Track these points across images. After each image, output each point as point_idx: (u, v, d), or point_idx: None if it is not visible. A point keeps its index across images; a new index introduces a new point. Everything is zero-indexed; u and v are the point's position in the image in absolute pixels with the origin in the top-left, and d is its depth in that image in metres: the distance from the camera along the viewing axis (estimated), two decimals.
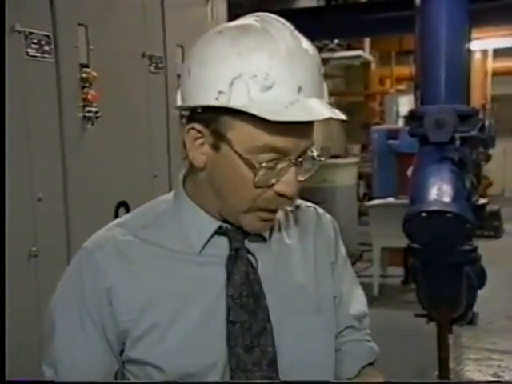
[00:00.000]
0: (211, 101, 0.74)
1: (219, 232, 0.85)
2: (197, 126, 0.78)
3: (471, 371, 3.14)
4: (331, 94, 0.84)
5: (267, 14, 0.79)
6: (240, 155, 0.76)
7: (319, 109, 0.76)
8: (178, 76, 2.49)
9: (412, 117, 2.54)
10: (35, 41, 1.72)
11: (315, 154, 0.81)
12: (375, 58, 8.46)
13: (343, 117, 0.78)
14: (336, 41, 6.61)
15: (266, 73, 0.73)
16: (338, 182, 5.45)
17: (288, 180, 0.78)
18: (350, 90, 8.75)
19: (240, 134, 0.75)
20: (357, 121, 7.62)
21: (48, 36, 1.77)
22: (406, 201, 2.73)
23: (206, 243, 0.84)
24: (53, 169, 1.83)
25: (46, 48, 1.76)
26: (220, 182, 0.80)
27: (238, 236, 0.84)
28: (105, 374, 0.83)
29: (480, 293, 2.57)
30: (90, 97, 1.90)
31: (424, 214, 2.28)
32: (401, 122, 6.94)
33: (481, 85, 7.90)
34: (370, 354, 0.96)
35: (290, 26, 0.78)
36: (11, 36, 1.63)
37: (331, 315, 0.91)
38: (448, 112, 2.36)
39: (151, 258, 0.83)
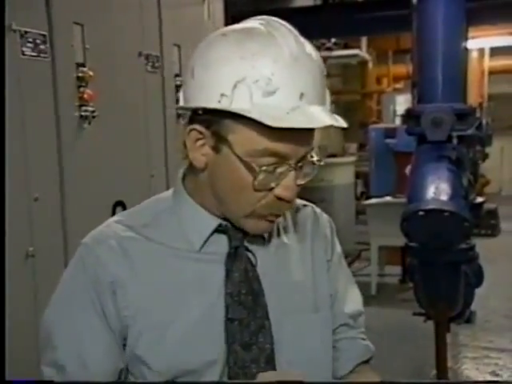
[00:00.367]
0: (213, 103, 0.75)
1: (219, 230, 0.85)
2: (198, 127, 0.79)
3: (469, 369, 3.15)
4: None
5: (272, 17, 0.79)
6: (240, 158, 0.77)
7: (320, 116, 0.76)
8: (175, 75, 2.50)
9: (409, 115, 2.55)
10: (31, 40, 1.71)
11: (315, 158, 0.82)
12: (372, 56, 8.46)
13: (344, 124, 0.79)
14: (333, 40, 6.62)
15: (269, 78, 0.73)
16: (336, 181, 5.45)
17: (287, 184, 0.79)
18: (347, 88, 8.75)
19: (241, 138, 0.76)
20: (354, 120, 7.62)
21: (44, 35, 1.76)
22: (403, 199, 2.74)
23: (205, 241, 0.84)
24: (49, 168, 1.82)
25: (42, 47, 1.75)
26: (220, 184, 0.81)
27: (238, 234, 0.85)
28: (112, 368, 0.82)
29: (477, 291, 2.57)
30: (86, 96, 1.90)
31: (421, 213, 2.28)
32: (398, 121, 6.94)
33: (478, 83, 7.91)
34: (365, 352, 0.96)
35: (295, 31, 0.78)
36: (7, 35, 1.63)
37: (328, 313, 0.91)
38: (445, 111, 2.36)
39: (151, 255, 0.84)
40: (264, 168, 0.76)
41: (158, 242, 0.84)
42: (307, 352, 0.86)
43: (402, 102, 7.46)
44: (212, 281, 0.83)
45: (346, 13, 4.83)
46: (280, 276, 0.88)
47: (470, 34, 2.82)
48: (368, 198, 5.52)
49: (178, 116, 2.49)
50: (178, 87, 2.47)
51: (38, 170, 1.75)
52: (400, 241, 2.76)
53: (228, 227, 0.85)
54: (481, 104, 6.75)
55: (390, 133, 5.23)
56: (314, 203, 0.99)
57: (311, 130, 0.78)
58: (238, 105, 0.73)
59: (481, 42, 7.03)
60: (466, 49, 2.71)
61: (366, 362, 0.96)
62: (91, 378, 0.80)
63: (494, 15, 4.31)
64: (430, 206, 2.28)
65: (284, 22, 0.79)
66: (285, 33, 0.76)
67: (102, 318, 0.81)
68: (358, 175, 6.56)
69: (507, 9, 4.15)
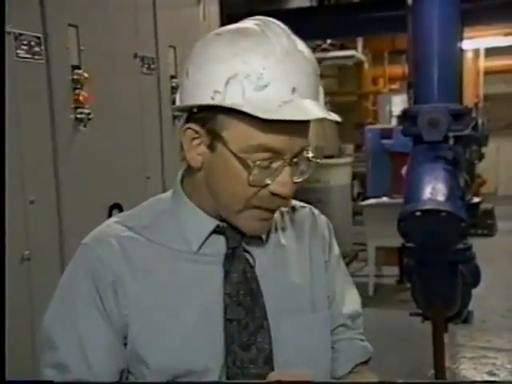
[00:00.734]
0: (207, 100, 0.76)
1: (217, 231, 0.85)
2: (193, 125, 0.80)
3: (466, 369, 3.15)
4: (324, 94, 0.84)
5: (268, 18, 0.80)
6: (235, 154, 0.77)
7: (313, 109, 0.76)
8: (171, 77, 2.50)
9: (405, 116, 2.54)
10: (25, 42, 1.70)
11: (311, 155, 0.82)
12: (368, 57, 8.47)
13: (338, 118, 0.79)
14: (329, 41, 6.62)
15: (260, 72, 0.74)
16: (332, 181, 5.46)
17: (283, 180, 0.79)
18: (343, 89, 8.76)
19: (235, 133, 0.76)
20: (350, 121, 7.63)
21: (38, 37, 1.76)
22: (400, 200, 2.74)
23: (203, 242, 0.85)
24: (45, 171, 1.82)
25: (37, 49, 1.75)
26: (215, 182, 0.81)
27: (236, 235, 0.85)
28: (115, 366, 0.82)
29: (474, 291, 2.57)
30: (81, 98, 1.89)
31: (418, 213, 2.28)
32: (394, 122, 6.95)
33: (473, 84, 7.93)
34: (363, 353, 0.96)
35: (288, 31, 0.79)
36: None
37: (326, 313, 0.92)
38: (441, 111, 2.36)
39: (150, 255, 0.84)
40: (258, 163, 0.77)
41: (157, 242, 0.85)
42: (306, 352, 0.86)
43: (398, 103, 7.47)
44: (210, 281, 0.84)
45: (341, 14, 4.83)
46: (278, 276, 0.88)
47: (465, 35, 2.83)
48: (365, 198, 5.52)
49: (174, 117, 2.49)
50: (173, 89, 2.47)
51: (33, 173, 1.75)
52: (397, 241, 2.76)
53: (226, 228, 0.85)
54: (476, 104, 6.78)
55: (386, 133, 5.23)
56: (310, 204, 1.00)
57: (305, 123, 0.78)
58: (231, 100, 0.74)
59: (476, 42, 7.06)
60: (462, 49, 2.71)
61: (365, 362, 0.96)
62: (94, 376, 0.80)
63: (489, 16, 4.33)
64: (427, 207, 2.28)
65: (278, 22, 0.79)
66: (278, 31, 0.77)
67: (104, 316, 0.82)
68: (354, 176, 6.57)
69: (502, 9, 4.17)
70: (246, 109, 0.73)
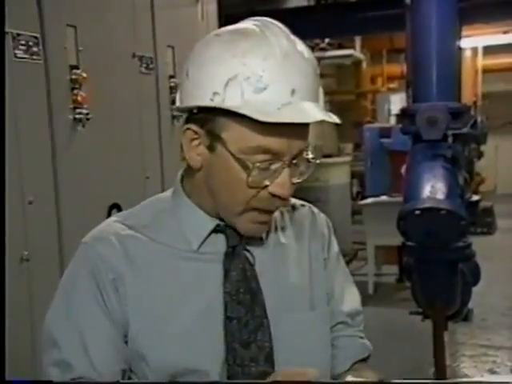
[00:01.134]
0: (206, 101, 0.76)
1: (217, 230, 0.86)
2: (193, 126, 0.80)
3: (467, 367, 3.15)
4: (323, 93, 0.84)
5: (267, 18, 0.80)
6: (234, 155, 0.77)
7: (312, 111, 0.76)
8: (169, 77, 2.49)
9: (404, 115, 2.54)
10: (23, 42, 1.70)
11: (310, 156, 0.82)
12: (366, 56, 8.48)
13: (337, 120, 0.79)
14: (327, 40, 6.62)
15: (260, 75, 0.74)
16: (331, 181, 5.46)
17: (282, 181, 0.79)
18: (342, 88, 8.76)
19: (234, 135, 0.77)
20: (349, 120, 7.63)
21: (36, 37, 1.75)
22: (399, 199, 2.74)
23: (203, 241, 0.85)
24: (44, 172, 1.81)
25: (35, 49, 1.74)
26: (215, 183, 0.82)
27: (235, 234, 0.85)
28: (117, 363, 0.82)
29: (474, 289, 2.57)
30: (80, 98, 1.89)
31: (418, 212, 2.28)
32: (393, 121, 6.95)
33: (471, 82, 7.94)
34: (363, 350, 0.96)
35: (288, 31, 0.79)
36: None
37: (326, 311, 0.92)
38: (440, 109, 2.36)
39: (151, 254, 0.84)
40: (257, 165, 0.77)
41: (158, 241, 0.85)
42: (306, 349, 0.86)
43: (397, 102, 7.48)
44: (210, 280, 0.84)
45: (339, 13, 4.84)
46: (278, 275, 0.88)
47: (463, 33, 2.83)
48: (364, 197, 5.53)
49: (173, 117, 2.48)
50: (172, 88, 2.46)
51: (32, 173, 1.74)
52: (396, 240, 2.76)
53: (226, 227, 0.85)
54: (475, 102, 6.78)
55: (385, 132, 5.24)
56: (309, 203, 1.00)
57: (305, 126, 0.78)
58: (230, 102, 0.74)
59: (474, 40, 7.06)
60: (460, 48, 2.71)
61: (364, 360, 0.96)
62: (97, 373, 0.80)
63: (487, 14, 4.33)
64: (427, 205, 2.28)
65: (278, 23, 0.79)
66: (277, 32, 0.77)
67: (106, 313, 0.82)
68: (353, 175, 6.57)
69: (500, 7, 4.17)
70: (245, 111, 0.73)
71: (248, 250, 0.87)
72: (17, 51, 1.68)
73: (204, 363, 0.81)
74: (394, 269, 4.70)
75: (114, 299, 0.82)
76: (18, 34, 1.68)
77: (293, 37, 0.79)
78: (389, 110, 8.00)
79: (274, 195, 0.80)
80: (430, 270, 2.47)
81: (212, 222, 0.85)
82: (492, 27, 6.53)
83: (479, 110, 7.09)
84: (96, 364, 0.80)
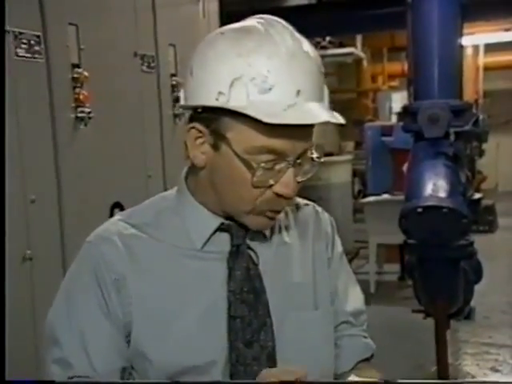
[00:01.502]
0: (211, 101, 0.76)
1: (221, 228, 0.86)
2: (197, 125, 0.80)
3: (469, 365, 3.15)
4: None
5: (270, 16, 0.80)
6: (238, 155, 0.77)
7: (317, 112, 0.76)
8: (171, 75, 2.49)
9: (406, 112, 2.54)
10: (25, 41, 1.70)
11: (315, 155, 0.82)
12: (367, 54, 8.46)
13: (342, 120, 0.79)
14: (328, 38, 6.62)
15: (265, 75, 0.74)
16: (333, 179, 5.46)
17: (286, 181, 0.79)
18: (343, 87, 8.75)
19: (239, 135, 0.77)
20: (350, 118, 7.62)
21: (38, 36, 1.75)
22: (401, 197, 2.73)
23: (207, 240, 0.85)
24: (46, 170, 1.81)
25: (36, 48, 1.74)
26: (220, 182, 0.82)
27: (240, 232, 0.86)
28: (117, 363, 0.82)
29: (476, 287, 2.57)
30: (81, 97, 1.88)
31: (420, 210, 2.28)
32: (394, 119, 6.95)
33: (473, 80, 7.92)
34: (366, 350, 0.96)
35: (292, 29, 0.79)
36: None
37: (329, 310, 0.92)
38: (442, 107, 2.36)
39: (154, 253, 0.84)
40: (262, 165, 0.77)
41: (161, 240, 0.85)
42: (309, 349, 0.86)
43: (398, 100, 7.47)
44: (214, 279, 0.84)
45: (340, 11, 4.83)
46: (281, 274, 0.88)
47: (465, 31, 2.82)
48: (365, 196, 5.52)
49: (175, 116, 2.48)
50: (173, 87, 2.46)
51: (34, 172, 1.74)
52: (398, 238, 2.76)
53: (230, 225, 0.85)
54: (476, 100, 6.77)
55: (387, 130, 5.22)
56: (310, 201, 0.99)
57: (309, 126, 0.78)
58: (235, 102, 0.74)
59: (475, 38, 7.04)
60: (461, 45, 2.70)
61: (367, 359, 0.96)
62: (96, 374, 0.81)
63: (489, 11, 4.32)
64: (429, 203, 2.28)
65: (282, 21, 0.79)
66: (281, 30, 0.77)
67: (106, 314, 0.82)
68: (354, 173, 6.56)
69: (501, 5, 4.16)
70: (250, 112, 0.73)
71: (252, 249, 0.87)
72: (18, 50, 1.68)
73: (207, 362, 0.81)
74: (395, 267, 4.70)
75: (116, 299, 0.82)
76: (20, 33, 1.68)
77: (298, 35, 0.78)
78: (390, 108, 7.99)
79: (278, 195, 0.80)
80: (432, 268, 2.47)
81: (216, 221, 0.85)
82: (493, 25, 6.52)
83: (480, 107, 7.09)
84: (95, 364, 0.81)
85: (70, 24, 1.90)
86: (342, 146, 7.43)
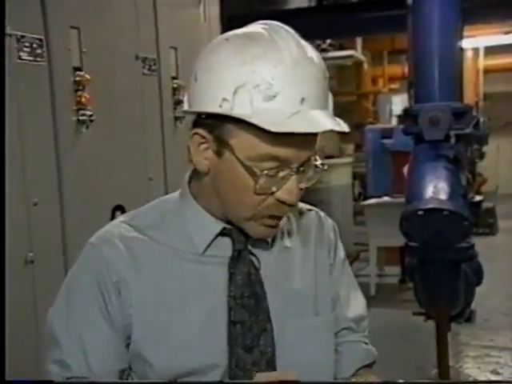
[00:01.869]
0: (215, 108, 0.76)
1: (223, 233, 0.85)
2: (201, 131, 0.80)
3: (470, 368, 3.15)
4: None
5: (275, 22, 0.79)
6: (242, 162, 0.77)
7: (322, 120, 0.76)
8: (172, 78, 2.50)
9: (406, 115, 2.54)
10: (27, 44, 1.70)
11: (318, 162, 0.82)
12: (367, 57, 8.47)
13: (347, 128, 0.79)
14: (328, 41, 6.62)
15: (270, 83, 0.73)
16: (333, 182, 5.46)
17: (289, 188, 0.79)
18: (343, 90, 8.75)
19: (242, 142, 0.76)
20: (350, 121, 7.61)
21: (40, 39, 1.76)
22: (401, 200, 2.73)
23: (209, 244, 0.85)
24: (48, 173, 1.82)
25: (39, 51, 1.75)
26: (222, 187, 0.81)
27: (241, 237, 0.85)
28: (115, 367, 0.83)
29: (477, 290, 2.57)
30: (83, 100, 1.89)
31: (421, 212, 2.28)
32: (394, 122, 6.95)
33: (473, 82, 7.93)
34: (367, 356, 0.96)
35: (297, 35, 0.78)
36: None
37: (330, 317, 0.92)
38: (442, 109, 2.36)
39: (156, 256, 0.84)
40: (265, 172, 0.77)
41: (163, 243, 0.85)
42: (308, 355, 0.86)
43: (398, 103, 7.48)
44: (215, 283, 0.84)
45: (340, 14, 4.84)
46: (282, 280, 0.88)
47: (465, 34, 2.82)
48: (366, 198, 5.52)
49: (176, 119, 2.49)
50: (174, 90, 2.47)
51: (36, 175, 1.75)
52: (399, 241, 2.76)
53: (232, 230, 0.85)
54: (477, 103, 6.77)
55: (387, 133, 5.23)
56: (311, 205, 0.99)
57: (313, 134, 0.78)
58: (239, 109, 0.74)
59: (475, 41, 7.05)
60: (461, 48, 2.71)
61: (369, 366, 0.96)
62: (95, 376, 0.81)
63: (488, 14, 4.33)
64: (429, 206, 2.28)
65: (286, 27, 0.79)
66: (286, 37, 0.76)
67: (106, 316, 0.82)
68: (355, 176, 6.57)
69: (501, 8, 4.17)
70: (254, 120, 0.73)
71: (253, 254, 0.86)
72: (21, 53, 1.69)
73: (206, 366, 0.81)
74: (396, 270, 4.70)
75: (116, 302, 0.82)
76: (22, 36, 1.69)
77: (303, 42, 0.78)
78: (390, 111, 8.00)
79: (281, 201, 0.79)
80: (433, 271, 2.46)
81: (218, 225, 0.85)
82: (493, 28, 6.53)
83: (481, 110, 7.10)
84: (93, 366, 0.81)
85: (72, 27, 1.91)
86: (343, 148, 7.43)
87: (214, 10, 2.86)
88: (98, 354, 0.81)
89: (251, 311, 0.83)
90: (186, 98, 0.84)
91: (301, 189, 0.81)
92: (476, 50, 8.06)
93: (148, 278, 0.83)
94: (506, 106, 9.19)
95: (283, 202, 0.79)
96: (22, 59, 1.69)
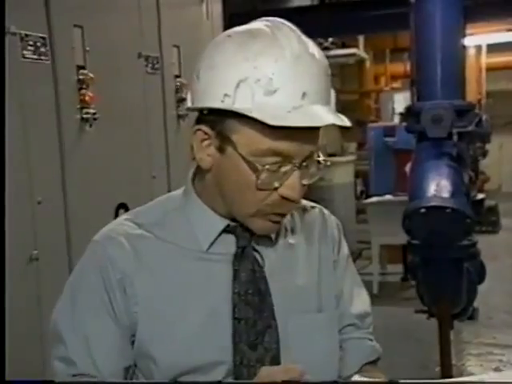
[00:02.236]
0: (217, 103, 0.76)
1: (227, 230, 0.86)
2: (203, 127, 0.80)
3: (473, 366, 3.15)
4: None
5: (277, 18, 0.80)
6: (244, 157, 0.77)
7: (323, 115, 0.76)
8: (175, 76, 2.50)
9: (409, 113, 2.54)
10: (31, 43, 1.71)
11: (321, 158, 0.82)
12: (369, 55, 8.46)
13: (348, 123, 0.79)
14: (330, 39, 6.62)
15: (270, 78, 0.74)
16: (335, 180, 5.45)
17: (291, 183, 0.79)
18: (345, 88, 8.75)
19: (244, 137, 0.77)
20: (352, 119, 7.60)
21: (44, 38, 1.76)
22: (404, 198, 2.74)
23: (213, 241, 0.85)
24: (52, 171, 1.82)
25: (42, 50, 1.75)
26: (225, 184, 0.82)
27: (245, 234, 0.86)
28: (120, 364, 0.83)
29: (479, 288, 2.57)
30: (87, 98, 1.90)
31: (423, 210, 2.28)
32: (396, 119, 6.94)
33: (476, 80, 7.91)
34: (372, 352, 0.96)
35: (299, 32, 0.79)
36: (6, 38, 1.62)
37: (334, 313, 0.92)
38: (445, 107, 2.36)
39: (160, 253, 0.85)
40: (267, 167, 0.77)
41: (167, 240, 0.85)
42: (313, 352, 0.86)
43: (400, 101, 7.46)
44: (219, 280, 0.84)
45: (342, 12, 4.83)
46: (286, 277, 0.88)
47: (467, 31, 2.82)
48: (368, 196, 5.52)
49: (179, 117, 2.49)
50: (177, 88, 2.47)
51: (40, 173, 1.76)
52: (401, 239, 2.76)
53: (236, 227, 0.86)
54: (479, 101, 6.76)
55: (389, 131, 5.22)
56: (314, 203, 0.99)
57: (315, 129, 0.78)
58: (241, 104, 0.74)
59: (478, 39, 7.03)
60: (464, 46, 2.71)
61: (373, 362, 0.96)
62: (100, 373, 0.81)
63: (491, 12, 4.31)
64: (432, 203, 2.28)
65: (289, 24, 0.79)
66: (288, 33, 0.77)
67: (111, 313, 0.82)
68: (357, 174, 6.56)
69: (504, 5, 4.16)
70: (255, 114, 0.73)
71: (257, 251, 0.87)
72: (25, 52, 1.69)
73: (211, 363, 0.81)
74: (398, 268, 4.69)
75: (121, 299, 0.82)
76: (26, 35, 1.69)
77: (304, 38, 0.78)
78: (393, 109, 7.99)
79: (284, 198, 0.79)
80: (436, 269, 2.46)
81: (222, 223, 0.85)
82: (495, 25, 6.51)
83: (483, 108, 7.08)
84: (98, 364, 0.81)
85: (76, 26, 1.92)
86: (345, 146, 7.43)
87: (217, 8, 2.86)
88: (103, 351, 0.82)
89: (255, 308, 0.83)
90: (189, 96, 0.84)
91: (304, 185, 0.81)
92: (478, 48, 8.04)
93: (152, 275, 0.83)
94: (509, 104, 9.16)
95: (286, 198, 0.79)
96: (25, 58, 1.70)
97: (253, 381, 0.76)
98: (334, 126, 0.78)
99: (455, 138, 2.39)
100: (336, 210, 4.76)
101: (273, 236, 0.88)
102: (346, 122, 0.79)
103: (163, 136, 2.41)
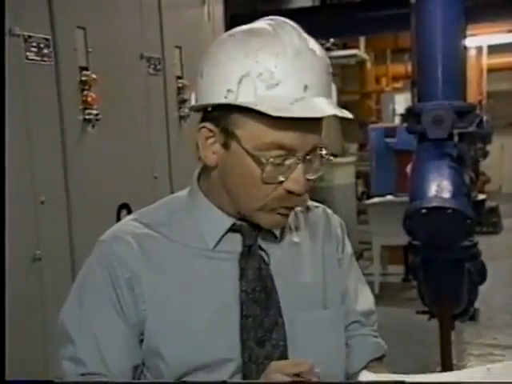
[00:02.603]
0: (220, 99, 0.78)
1: (233, 229, 0.87)
2: (208, 124, 0.81)
3: (474, 367, 3.14)
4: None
5: (280, 17, 0.82)
6: (248, 152, 0.78)
7: (324, 106, 0.78)
8: (177, 77, 2.51)
9: (410, 114, 2.55)
10: (34, 44, 1.72)
11: (324, 152, 0.83)
12: (370, 56, 8.47)
13: (349, 115, 0.81)
14: (331, 40, 6.63)
15: (272, 71, 0.75)
16: (336, 181, 5.45)
17: (296, 177, 0.80)
18: (346, 88, 8.76)
19: (248, 131, 0.78)
20: (353, 119, 7.61)
21: (47, 39, 1.77)
22: (404, 198, 2.74)
23: (219, 240, 0.86)
24: (55, 172, 1.83)
25: (46, 51, 1.76)
26: (231, 180, 0.83)
27: (251, 233, 0.87)
28: (130, 362, 0.83)
29: (480, 289, 2.57)
30: (90, 99, 1.91)
31: (424, 211, 2.29)
32: (397, 120, 6.94)
33: (476, 81, 7.91)
34: (377, 349, 0.97)
35: (300, 29, 0.80)
36: (10, 40, 1.63)
37: (339, 310, 0.93)
38: (445, 108, 2.36)
39: (167, 252, 0.86)
40: (271, 160, 0.78)
41: (174, 239, 0.86)
42: (320, 349, 0.87)
43: (401, 101, 7.47)
44: (226, 279, 0.85)
45: (344, 13, 4.84)
46: (292, 274, 0.89)
47: (468, 32, 2.83)
48: (369, 197, 5.53)
49: (181, 118, 2.50)
50: (179, 89, 2.48)
51: (43, 174, 1.76)
52: (402, 240, 2.76)
53: (242, 226, 0.87)
54: (480, 102, 6.76)
55: (390, 132, 5.23)
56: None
57: (318, 120, 0.79)
58: (244, 99, 0.76)
59: (479, 40, 7.04)
60: (465, 47, 2.72)
61: (379, 359, 0.97)
62: (110, 372, 0.82)
63: (492, 13, 4.33)
64: (433, 204, 2.29)
65: (291, 22, 0.81)
66: (289, 30, 0.79)
67: (120, 313, 0.83)
68: (358, 175, 6.56)
69: (505, 6, 4.17)
70: (257, 107, 0.75)
71: (263, 250, 0.88)
72: (28, 53, 1.70)
73: (219, 360, 0.82)
74: (399, 268, 4.70)
75: (129, 298, 0.83)
76: (30, 36, 1.70)
77: (305, 35, 0.80)
78: (393, 110, 7.99)
79: (289, 192, 0.81)
80: (437, 269, 2.47)
81: (228, 221, 0.86)
82: (496, 26, 6.51)
83: (484, 109, 7.09)
84: (108, 363, 0.82)
85: (78, 27, 1.93)
86: (346, 147, 7.42)
87: (218, 9, 2.87)
88: (112, 350, 0.82)
89: (262, 305, 0.84)
90: (193, 96, 0.85)
91: (308, 180, 0.82)
92: (479, 49, 8.04)
93: (160, 274, 0.84)
94: (510, 105, 9.16)
95: (292, 192, 0.81)
96: (29, 59, 1.71)
97: (260, 381, 0.77)
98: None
99: (456, 138, 2.40)
100: (337, 210, 4.73)
101: (278, 234, 0.89)
102: (346, 114, 0.81)
103: (165, 137, 2.41)
